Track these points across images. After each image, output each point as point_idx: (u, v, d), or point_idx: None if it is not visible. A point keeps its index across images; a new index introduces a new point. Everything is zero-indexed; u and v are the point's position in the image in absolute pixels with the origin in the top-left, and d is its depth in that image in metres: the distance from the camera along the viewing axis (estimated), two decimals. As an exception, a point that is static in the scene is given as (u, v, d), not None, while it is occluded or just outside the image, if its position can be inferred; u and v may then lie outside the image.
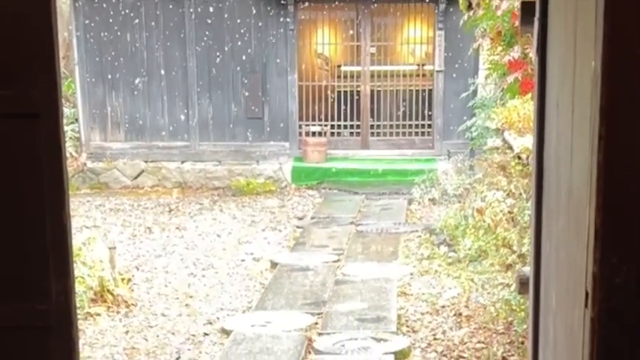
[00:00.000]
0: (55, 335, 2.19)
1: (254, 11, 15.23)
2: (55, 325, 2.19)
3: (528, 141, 6.30)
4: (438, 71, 15.26)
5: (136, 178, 15.34)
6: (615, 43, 1.97)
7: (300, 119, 15.56)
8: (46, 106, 2.15)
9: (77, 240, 8.26)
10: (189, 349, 7.18)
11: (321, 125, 15.59)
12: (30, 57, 2.13)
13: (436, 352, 6.88)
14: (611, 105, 1.99)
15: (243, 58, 15.38)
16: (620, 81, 1.98)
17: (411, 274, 9.14)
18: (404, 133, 15.74)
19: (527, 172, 6.87)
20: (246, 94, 15.44)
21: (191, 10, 15.16)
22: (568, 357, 2.46)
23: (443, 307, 7.99)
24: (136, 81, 15.47)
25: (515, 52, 7.47)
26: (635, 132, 1.98)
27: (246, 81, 15.43)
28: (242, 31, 15.29)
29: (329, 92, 15.78)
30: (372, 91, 15.71)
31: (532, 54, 3.63)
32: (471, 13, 8.82)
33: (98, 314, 7.88)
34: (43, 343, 2.20)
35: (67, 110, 15.02)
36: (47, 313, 2.19)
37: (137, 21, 15.28)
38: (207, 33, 15.24)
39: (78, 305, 3.18)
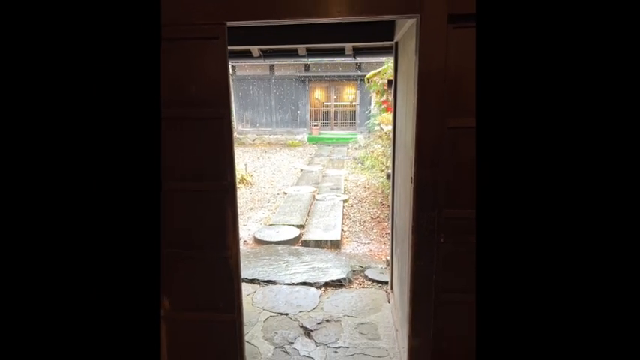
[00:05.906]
0: (228, 194, 2.19)
1: (294, 84, 14.83)
2: (228, 189, 2.18)
3: (390, 127, 6.23)
4: (357, 104, 14.96)
5: (253, 141, 15.03)
6: (422, 92, 1.95)
7: (311, 120, 15.24)
8: (225, 115, 2.11)
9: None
10: (272, 199, 7.22)
11: (318, 122, 15.34)
12: (220, 97, 2.08)
13: (357, 200, 6.92)
14: (419, 116, 1.97)
15: (290, 100, 14.99)
16: (423, 107, 1.96)
17: (349, 173, 9.13)
18: (346, 125, 15.44)
19: (389, 138, 6.81)
20: (291, 112, 15.12)
21: (272, 83, 14.78)
22: (405, 203, 2.47)
23: (359, 184, 8.02)
24: (253, 107, 15.11)
25: (385, 97, 7.32)
26: (425, 126, 1.98)
27: (291, 107, 15.09)
28: (290, 94, 14.88)
29: (320, 111, 15.44)
30: (334, 111, 15.41)
31: (391, 98, 3.57)
32: (369, 83, 8.61)
33: (240, 187, 7.89)
34: (224, 197, 2.19)
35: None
36: (225, 185, 2.18)
37: (253, 86, 14.87)
38: (278, 91, 14.87)
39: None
